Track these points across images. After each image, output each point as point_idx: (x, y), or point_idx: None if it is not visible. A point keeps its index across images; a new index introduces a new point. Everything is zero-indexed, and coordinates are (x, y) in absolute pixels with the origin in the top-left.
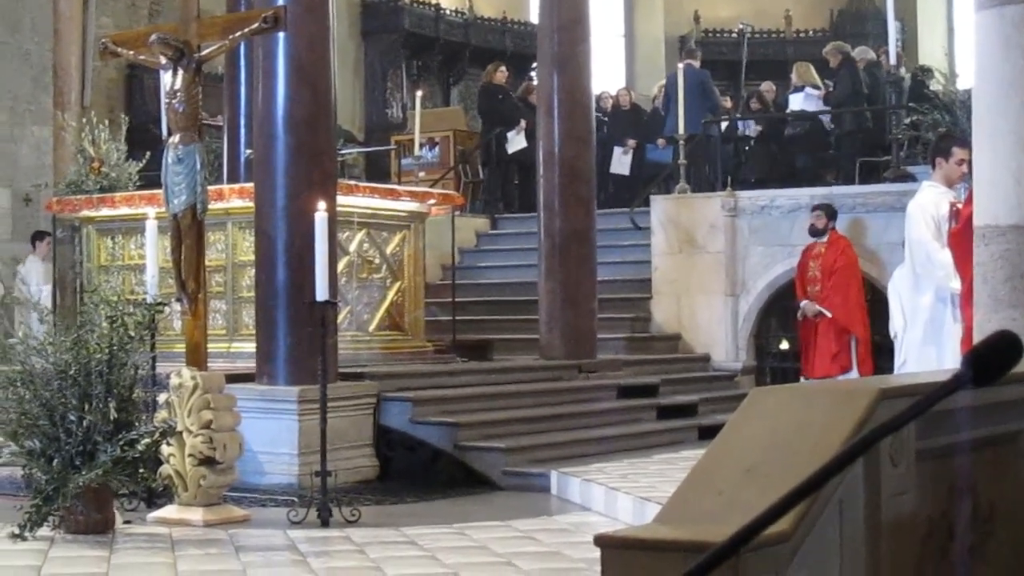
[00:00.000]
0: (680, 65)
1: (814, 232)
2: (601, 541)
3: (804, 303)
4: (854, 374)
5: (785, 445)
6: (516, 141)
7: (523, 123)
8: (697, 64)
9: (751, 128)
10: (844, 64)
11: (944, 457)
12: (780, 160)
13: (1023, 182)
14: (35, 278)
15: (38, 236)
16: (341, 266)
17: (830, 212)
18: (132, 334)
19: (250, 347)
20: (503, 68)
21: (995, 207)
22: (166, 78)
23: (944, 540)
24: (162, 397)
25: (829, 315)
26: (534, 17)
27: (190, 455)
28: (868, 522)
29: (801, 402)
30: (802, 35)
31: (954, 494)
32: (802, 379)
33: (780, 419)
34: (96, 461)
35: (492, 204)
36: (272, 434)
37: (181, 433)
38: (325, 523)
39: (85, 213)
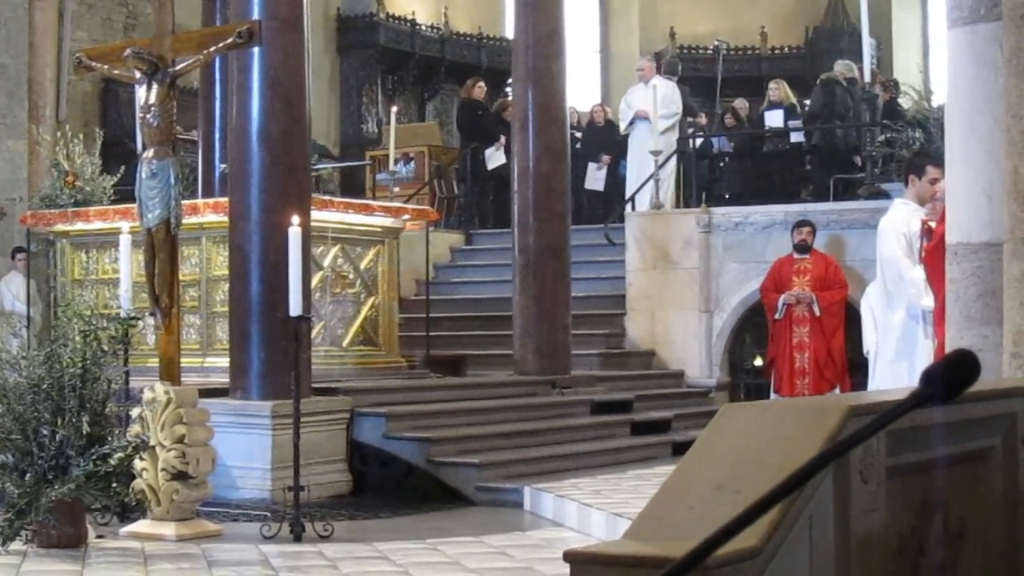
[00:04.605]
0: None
1: (803, 248)
2: (570, 557)
3: (786, 293)
4: (836, 391)
5: (755, 461)
6: (495, 157)
7: (502, 139)
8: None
9: (725, 144)
10: (821, 83)
11: (915, 474)
12: (754, 176)
13: (995, 199)
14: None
15: (18, 251)
16: (315, 281)
17: (814, 229)
18: (105, 348)
19: (224, 362)
20: (481, 83)
21: (967, 224)
22: (141, 92)
23: (915, 557)
24: (135, 411)
25: (818, 313)
26: (509, 32)
27: (163, 469)
28: (838, 539)
29: (772, 418)
30: (777, 52)
31: (925, 511)
32: (774, 396)
33: (751, 435)
34: (69, 475)
35: (468, 220)
36: (245, 449)
37: (154, 447)
38: (298, 538)
39: (59, 227)
